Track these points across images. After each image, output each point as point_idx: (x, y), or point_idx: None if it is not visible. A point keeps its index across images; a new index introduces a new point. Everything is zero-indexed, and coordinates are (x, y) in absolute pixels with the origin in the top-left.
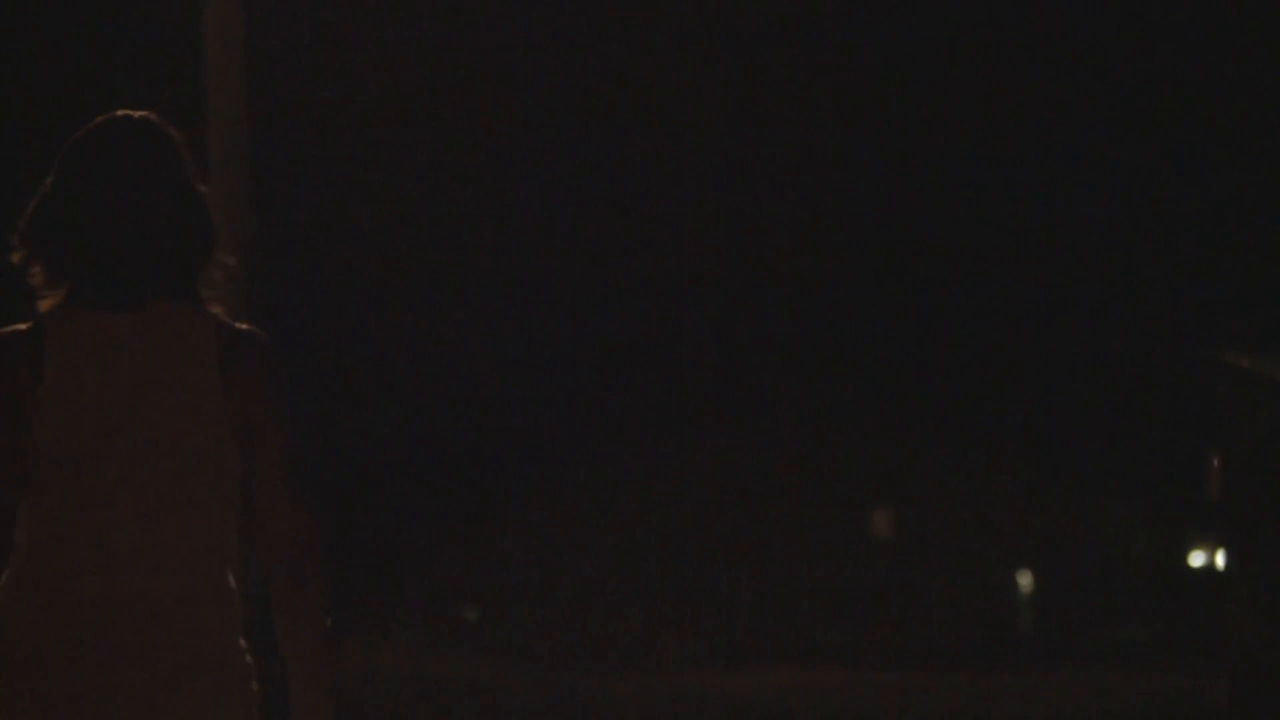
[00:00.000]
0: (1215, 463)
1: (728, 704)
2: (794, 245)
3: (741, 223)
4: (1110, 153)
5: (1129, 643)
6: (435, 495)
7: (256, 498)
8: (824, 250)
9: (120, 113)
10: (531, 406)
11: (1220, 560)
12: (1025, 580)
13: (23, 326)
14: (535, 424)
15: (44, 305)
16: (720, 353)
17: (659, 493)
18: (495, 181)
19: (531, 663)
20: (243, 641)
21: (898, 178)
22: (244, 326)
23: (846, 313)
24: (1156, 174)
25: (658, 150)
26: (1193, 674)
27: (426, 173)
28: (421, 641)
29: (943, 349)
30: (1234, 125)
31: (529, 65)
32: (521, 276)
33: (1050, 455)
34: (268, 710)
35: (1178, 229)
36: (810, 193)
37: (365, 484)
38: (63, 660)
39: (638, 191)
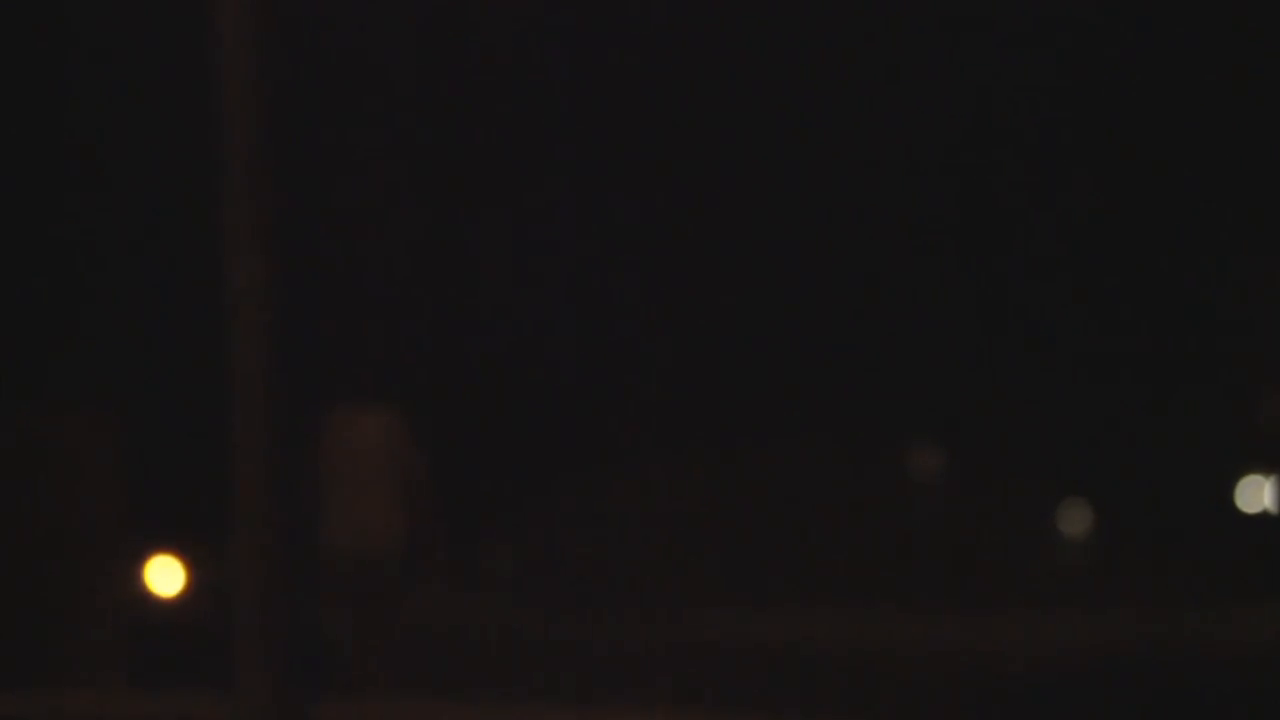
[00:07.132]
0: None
1: (764, 648)
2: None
3: (803, 200)
4: (1143, 76)
5: (1177, 581)
6: (482, 451)
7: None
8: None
9: None
10: (582, 374)
11: (1268, 499)
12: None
13: None
14: (581, 391)
15: None
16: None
17: (695, 441)
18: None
19: (563, 611)
20: None
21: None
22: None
23: (893, 254)
24: (1201, 98)
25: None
26: (1244, 611)
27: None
28: (456, 590)
29: (990, 286)
30: None
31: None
32: (589, 256)
33: (1097, 393)
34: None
35: (1228, 152)
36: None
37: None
38: None
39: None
